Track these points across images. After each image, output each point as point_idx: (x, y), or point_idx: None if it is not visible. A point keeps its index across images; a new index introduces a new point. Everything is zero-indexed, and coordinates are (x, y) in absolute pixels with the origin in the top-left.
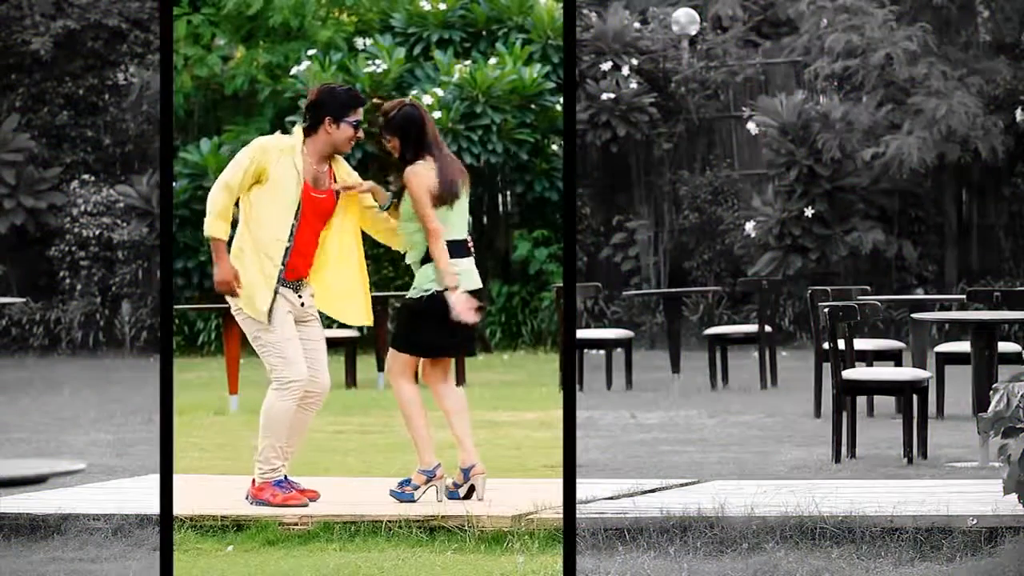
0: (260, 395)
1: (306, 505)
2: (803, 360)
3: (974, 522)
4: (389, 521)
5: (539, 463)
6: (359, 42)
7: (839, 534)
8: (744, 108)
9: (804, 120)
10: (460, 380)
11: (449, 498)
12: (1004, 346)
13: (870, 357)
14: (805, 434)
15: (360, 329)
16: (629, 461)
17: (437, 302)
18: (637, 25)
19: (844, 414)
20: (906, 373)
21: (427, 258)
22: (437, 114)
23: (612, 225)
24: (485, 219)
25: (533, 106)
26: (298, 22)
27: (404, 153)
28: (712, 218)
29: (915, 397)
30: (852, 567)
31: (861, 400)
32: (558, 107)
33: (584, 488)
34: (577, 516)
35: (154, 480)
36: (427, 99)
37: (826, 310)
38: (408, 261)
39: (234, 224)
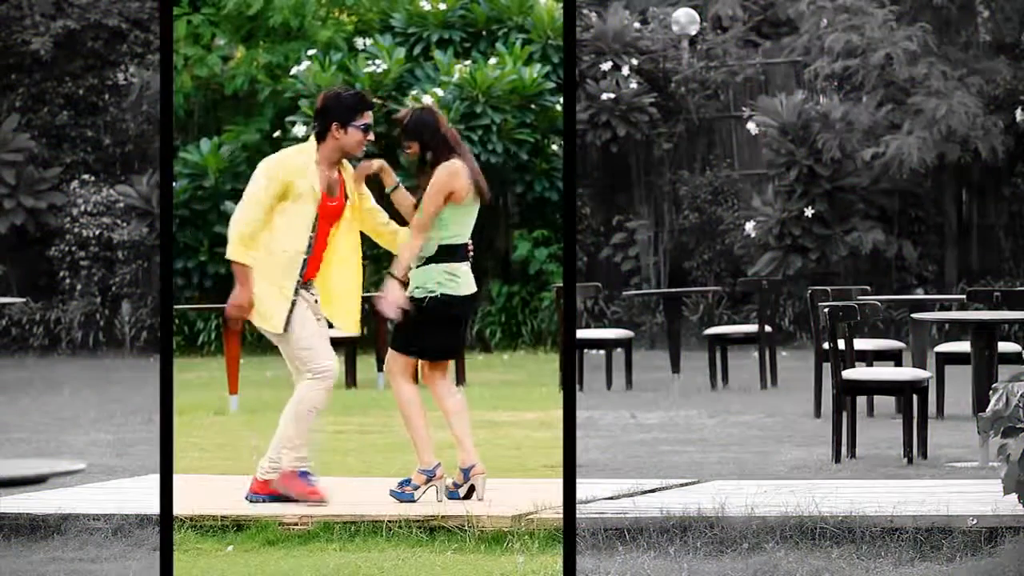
0: (260, 395)
1: (326, 503)
2: (803, 360)
3: (974, 522)
4: (389, 521)
5: (539, 463)
6: (359, 42)
7: (839, 534)
8: (744, 108)
9: (804, 120)
10: (460, 380)
11: (449, 498)
12: (1004, 346)
13: (870, 357)
14: (805, 434)
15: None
16: (629, 461)
17: (439, 304)
18: (637, 25)
19: (844, 414)
20: (906, 373)
21: (431, 259)
22: None
23: (612, 225)
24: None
25: (533, 106)
26: (298, 22)
27: (424, 156)
28: (712, 218)
29: (915, 397)
30: (852, 567)
31: (861, 400)
32: (558, 107)
33: (584, 488)
34: (577, 516)
35: (154, 480)
36: (427, 99)
37: (826, 310)
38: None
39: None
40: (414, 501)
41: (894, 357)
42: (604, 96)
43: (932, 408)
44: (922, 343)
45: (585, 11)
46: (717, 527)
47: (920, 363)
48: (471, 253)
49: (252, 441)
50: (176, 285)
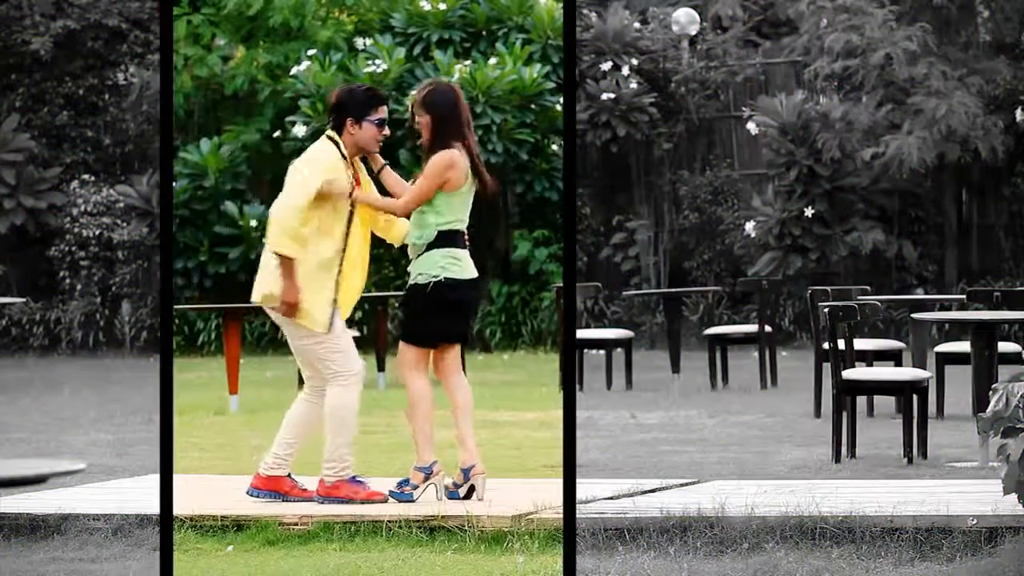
0: (260, 395)
1: (386, 500)
2: (803, 360)
3: (974, 522)
4: (389, 521)
5: (539, 463)
6: (359, 42)
7: (839, 534)
8: (744, 108)
9: (804, 120)
10: None
11: (449, 498)
12: (1004, 346)
13: (870, 357)
14: (805, 434)
15: (360, 329)
16: (629, 461)
17: (443, 287)
18: (637, 25)
19: (844, 414)
20: (906, 373)
21: (433, 244)
22: None
23: (612, 225)
24: (485, 219)
25: (533, 106)
26: (298, 22)
27: (434, 132)
28: (712, 218)
29: (915, 397)
30: (852, 567)
31: (861, 400)
32: (558, 107)
33: (584, 488)
34: (577, 516)
35: (154, 480)
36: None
37: (826, 310)
38: (411, 241)
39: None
40: (413, 501)
41: (894, 357)
42: (604, 96)
43: (932, 408)
44: (922, 343)
45: (585, 11)
46: (717, 527)
47: (920, 363)
48: (467, 243)
49: (252, 441)
50: (176, 285)
